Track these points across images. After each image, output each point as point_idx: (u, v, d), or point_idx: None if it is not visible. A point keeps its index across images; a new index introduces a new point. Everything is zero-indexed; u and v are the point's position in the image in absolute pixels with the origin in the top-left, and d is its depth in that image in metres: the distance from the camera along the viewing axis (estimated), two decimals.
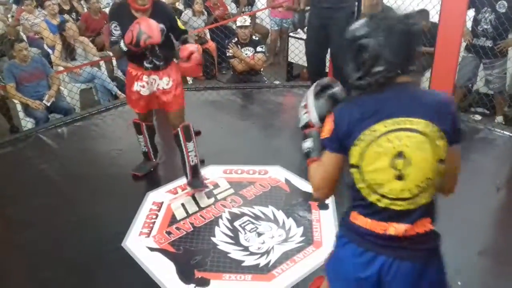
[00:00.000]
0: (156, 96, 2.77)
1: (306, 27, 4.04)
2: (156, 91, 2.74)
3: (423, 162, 1.24)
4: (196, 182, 2.83)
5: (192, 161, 2.78)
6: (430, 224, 1.33)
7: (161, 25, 2.50)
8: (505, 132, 3.60)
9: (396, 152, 1.25)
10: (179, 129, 2.76)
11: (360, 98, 1.33)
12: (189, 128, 2.78)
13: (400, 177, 1.25)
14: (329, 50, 3.76)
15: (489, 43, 4.03)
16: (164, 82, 2.72)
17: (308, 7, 4.50)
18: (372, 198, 1.29)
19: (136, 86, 2.73)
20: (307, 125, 1.53)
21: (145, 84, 2.71)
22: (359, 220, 1.34)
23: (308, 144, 1.51)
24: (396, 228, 1.29)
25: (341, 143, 1.32)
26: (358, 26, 1.30)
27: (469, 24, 4.10)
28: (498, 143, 3.52)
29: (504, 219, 2.76)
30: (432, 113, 1.25)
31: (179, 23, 2.75)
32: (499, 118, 4.19)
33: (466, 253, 2.37)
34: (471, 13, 4.02)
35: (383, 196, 1.27)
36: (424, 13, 4.44)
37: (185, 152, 2.77)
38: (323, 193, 1.41)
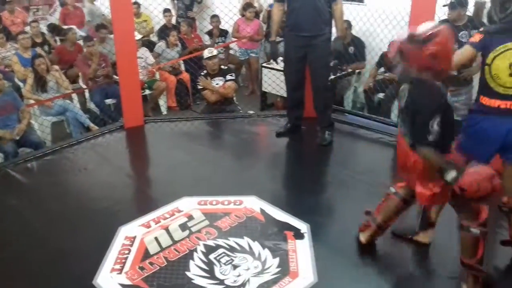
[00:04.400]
0: None
1: (284, 60, 3.99)
2: None
3: None
4: None
5: None
6: None
7: None
8: None
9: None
10: None
11: (495, 28, 2.34)
12: None
13: (511, 75, 2.26)
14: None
15: (453, 71, 4.16)
16: None
17: (280, 38, 4.60)
18: (493, 84, 2.30)
19: None
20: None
21: None
22: (485, 100, 2.34)
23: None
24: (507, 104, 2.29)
25: (482, 47, 2.33)
26: None
27: None
28: None
29: None
30: None
31: None
32: None
33: None
34: None
35: (499, 85, 2.28)
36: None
37: None
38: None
